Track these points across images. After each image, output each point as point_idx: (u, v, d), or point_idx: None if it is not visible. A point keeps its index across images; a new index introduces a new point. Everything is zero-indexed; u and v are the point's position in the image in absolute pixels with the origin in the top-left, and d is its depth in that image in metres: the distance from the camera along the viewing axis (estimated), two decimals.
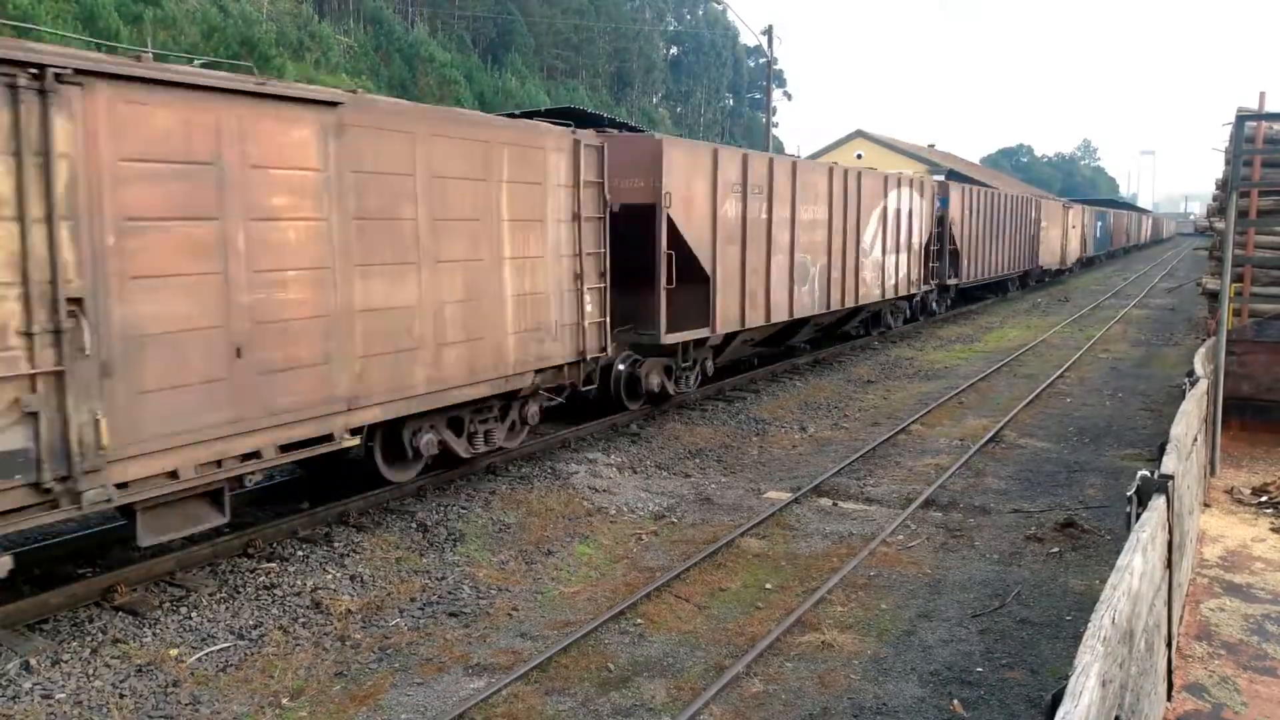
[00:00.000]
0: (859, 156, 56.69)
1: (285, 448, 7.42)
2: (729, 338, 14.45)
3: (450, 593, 7.40)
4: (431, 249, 8.55)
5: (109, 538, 7.95)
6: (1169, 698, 5.37)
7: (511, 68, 61.66)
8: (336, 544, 8.13)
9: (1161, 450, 5.95)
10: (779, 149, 68.39)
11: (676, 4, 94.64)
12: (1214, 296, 12.21)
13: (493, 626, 6.85)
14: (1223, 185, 12.69)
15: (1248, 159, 11.81)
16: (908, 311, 23.50)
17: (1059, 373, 17.68)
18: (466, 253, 8.99)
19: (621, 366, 12.56)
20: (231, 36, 39.56)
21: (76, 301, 5.84)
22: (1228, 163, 11.65)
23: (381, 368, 8.09)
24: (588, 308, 10.78)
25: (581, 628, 6.69)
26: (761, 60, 57.41)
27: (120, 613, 6.70)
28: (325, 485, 9.18)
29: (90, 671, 5.92)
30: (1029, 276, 36.31)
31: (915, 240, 22.23)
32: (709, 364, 14.28)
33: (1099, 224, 53.99)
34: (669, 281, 12.32)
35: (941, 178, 36.32)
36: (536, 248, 9.95)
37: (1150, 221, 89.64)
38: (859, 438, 12.65)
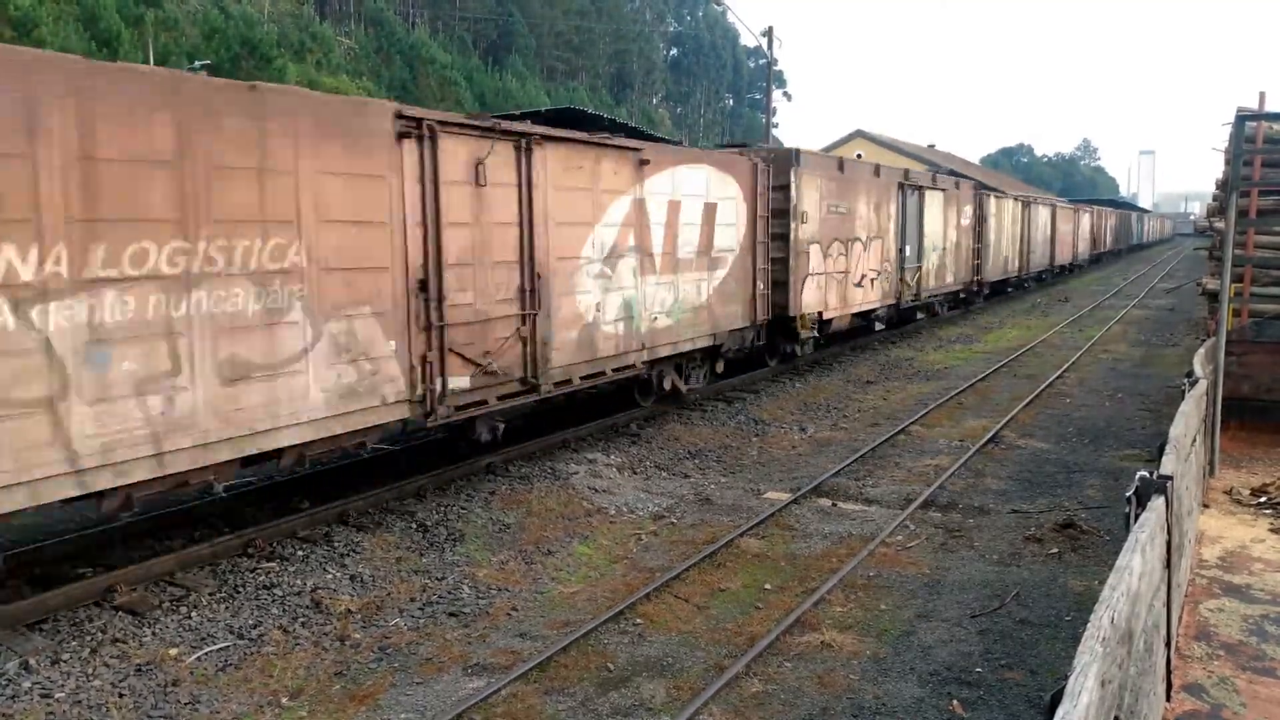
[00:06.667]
0: (859, 156, 56.60)
1: None
2: None
3: (450, 593, 7.40)
4: None
5: (110, 537, 7.97)
6: (1168, 698, 5.38)
7: (512, 69, 61.69)
8: (336, 544, 8.14)
9: (1161, 451, 5.94)
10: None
11: (677, 5, 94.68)
12: (1214, 296, 12.20)
13: (492, 626, 6.85)
14: (1223, 185, 12.69)
15: (1248, 159, 11.80)
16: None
17: (1058, 373, 17.68)
18: None
19: None
20: (232, 38, 39.60)
21: None
22: (1228, 163, 11.65)
23: None
24: None
25: (581, 628, 6.69)
26: (761, 61, 57.32)
27: (120, 612, 6.70)
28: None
29: (90, 671, 5.93)
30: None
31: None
32: None
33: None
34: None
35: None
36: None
37: (1150, 222, 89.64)
38: (858, 438, 12.65)
